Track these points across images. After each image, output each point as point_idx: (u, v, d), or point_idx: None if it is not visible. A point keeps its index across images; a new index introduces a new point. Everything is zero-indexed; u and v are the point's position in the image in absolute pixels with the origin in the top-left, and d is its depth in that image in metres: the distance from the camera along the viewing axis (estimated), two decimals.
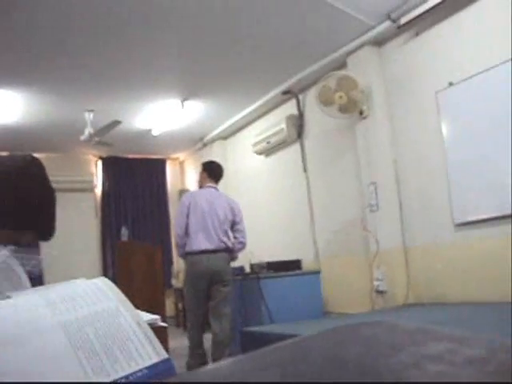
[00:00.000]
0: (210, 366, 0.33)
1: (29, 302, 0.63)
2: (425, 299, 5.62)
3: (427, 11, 5.43)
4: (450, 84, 5.36)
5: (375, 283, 5.98)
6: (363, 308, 6.04)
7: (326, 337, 0.32)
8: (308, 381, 0.26)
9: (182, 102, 7.71)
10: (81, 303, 0.61)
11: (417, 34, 5.81)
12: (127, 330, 0.58)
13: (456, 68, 5.35)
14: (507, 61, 4.79)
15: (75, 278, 0.69)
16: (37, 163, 1.53)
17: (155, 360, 0.56)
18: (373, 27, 5.99)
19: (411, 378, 0.26)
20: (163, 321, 0.75)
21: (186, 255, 5.31)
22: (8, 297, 0.63)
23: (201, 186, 5.80)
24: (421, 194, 5.79)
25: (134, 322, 0.59)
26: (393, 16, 5.72)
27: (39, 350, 0.54)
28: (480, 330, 2.83)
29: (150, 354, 0.57)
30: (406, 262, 5.91)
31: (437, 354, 0.27)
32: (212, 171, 5.93)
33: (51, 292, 0.63)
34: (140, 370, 0.55)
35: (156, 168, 10.88)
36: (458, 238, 5.34)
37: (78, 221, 10.07)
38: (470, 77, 5.15)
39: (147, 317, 0.69)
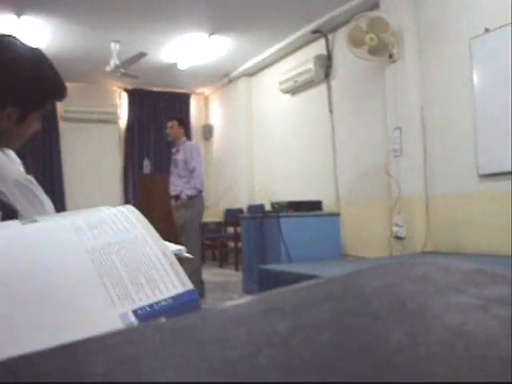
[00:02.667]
0: (250, 298, 0.32)
1: (55, 226, 0.63)
2: (443, 248, 5.63)
3: None
4: (486, 30, 5.21)
5: (394, 229, 5.99)
6: (381, 253, 6.07)
7: (375, 273, 0.31)
8: (363, 317, 0.26)
9: (209, 35, 7.60)
10: (107, 230, 0.60)
11: None
12: (153, 258, 0.58)
13: (493, 14, 5.18)
14: None
15: (97, 206, 0.68)
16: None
17: (180, 290, 0.56)
18: None
19: (478, 321, 0.25)
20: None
21: (200, 192, 6.21)
22: (35, 220, 0.63)
23: (176, 139, 6.38)
24: (446, 142, 5.72)
25: (160, 251, 0.59)
26: None
27: (65, 275, 0.55)
28: None
29: (175, 283, 0.56)
30: (426, 209, 5.89)
31: (501, 297, 0.26)
32: (186, 128, 6.83)
33: (78, 218, 0.63)
34: (165, 300, 0.55)
35: (180, 102, 10.83)
36: (482, 189, 5.29)
37: (101, 151, 10.15)
38: (508, 24, 4.99)
39: (172, 247, 0.69)
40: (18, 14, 6.52)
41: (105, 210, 0.66)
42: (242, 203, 9.22)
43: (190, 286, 0.56)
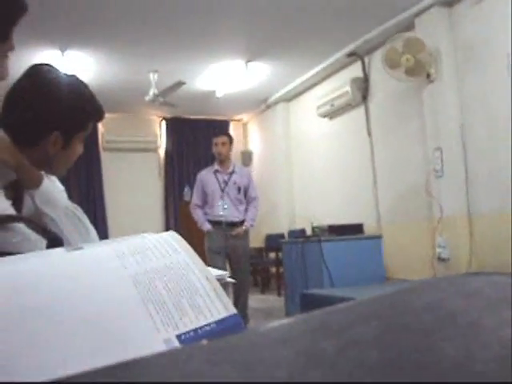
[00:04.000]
0: (294, 318, 0.32)
1: (99, 253, 0.64)
2: (489, 268, 5.51)
3: None
4: None
5: (437, 250, 5.90)
6: (424, 275, 5.98)
7: (423, 289, 0.30)
8: (413, 333, 0.25)
9: (246, 63, 7.68)
10: (150, 256, 0.61)
11: None
12: (196, 283, 0.58)
13: None
14: None
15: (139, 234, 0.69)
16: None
17: (224, 315, 0.56)
18: None
19: None
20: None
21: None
22: (80, 248, 0.64)
23: (227, 158, 6.00)
24: (488, 160, 5.63)
25: (203, 276, 0.59)
26: None
27: (109, 301, 0.55)
28: None
29: (218, 308, 0.57)
30: (469, 229, 5.79)
31: None
32: None
33: (121, 245, 0.64)
34: (208, 324, 0.55)
35: (219, 129, 10.92)
36: None
37: (142, 180, 10.28)
38: None
39: (215, 272, 0.69)
40: (62, 50, 6.73)
41: (147, 236, 0.66)
42: (283, 228, 9.20)
43: (233, 310, 0.56)
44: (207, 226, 5.72)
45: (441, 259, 5.87)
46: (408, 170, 6.69)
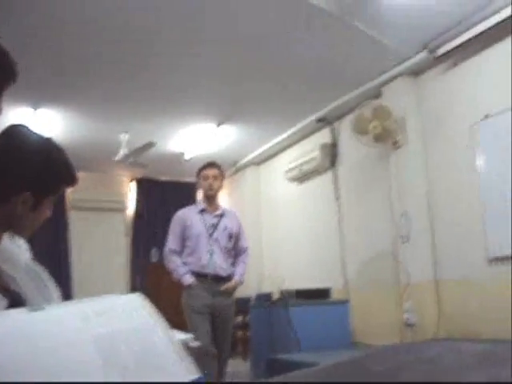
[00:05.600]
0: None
1: (62, 314, 0.63)
2: (456, 334, 5.51)
3: (465, 42, 5.41)
4: (486, 116, 5.31)
5: (404, 316, 5.89)
6: (392, 340, 5.95)
7: (384, 354, 0.30)
8: None
9: (218, 125, 7.75)
10: (114, 318, 0.60)
11: (455, 65, 5.78)
12: (160, 347, 0.57)
13: (493, 100, 5.30)
14: None
15: (105, 294, 0.68)
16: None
17: (188, 379, 0.55)
18: (409, 57, 5.99)
19: None
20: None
21: None
22: (42, 308, 0.63)
23: (217, 195, 4.94)
24: (454, 226, 5.71)
25: (168, 340, 0.59)
26: (430, 46, 5.71)
27: (67, 363, 0.54)
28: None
29: (182, 372, 0.56)
30: (437, 295, 5.81)
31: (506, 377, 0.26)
32: None
33: (85, 306, 0.63)
34: None
35: (188, 191, 10.92)
36: (492, 273, 5.23)
37: (108, 239, 10.17)
38: (508, 109, 5.09)
39: (181, 335, 0.69)
40: (35, 107, 6.73)
41: (112, 297, 0.66)
42: (251, 291, 9.12)
43: (196, 373, 0.56)
44: (189, 279, 4.60)
45: (408, 325, 5.85)
46: (375, 235, 6.73)
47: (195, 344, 0.74)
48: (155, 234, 10.12)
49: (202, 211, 4.80)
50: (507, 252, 5.05)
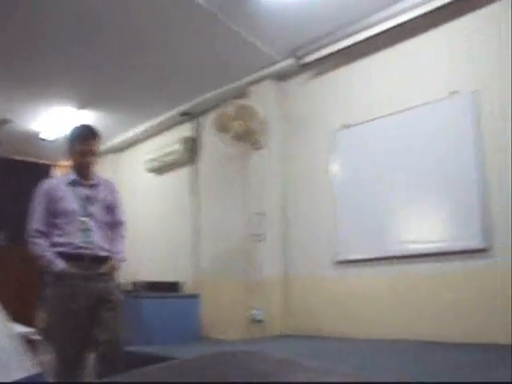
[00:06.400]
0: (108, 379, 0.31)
1: None
2: (301, 331, 5.71)
3: (330, 55, 5.63)
4: (344, 126, 5.56)
5: (252, 312, 6.01)
6: (240, 335, 6.05)
7: (202, 361, 0.31)
8: None
9: (78, 109, 7.51)
10: None
11: (318, 75, 5.99)
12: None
13: (352, 112, 5.56)
14: (401, 111, 5.04)
15: None
16: None
17: (25, 374, 0.54)
18: (277, 62, 6.12)
19: None
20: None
21: None
22: None
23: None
24: (307, 229, 5.90)
25: (5, 334, 0.57)
26: (298, 53, 5.87)
27: None
28: (342, 363, 2.87)
29: (20, 367, 0.54)
30: (284, 292, 5.98)
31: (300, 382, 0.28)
32: None
33: None
34: None
35: (42, 173, 10.48)
36: (337, 274, 5.48)
37: None
38: (364, 121, 5.37)
39: (21, 329, 0.66)
40: None
41: None
42: None
43: (35, 369, 0.54)
44: (60, 265, 3.73)
45: (256, 321, 5.98)
46: (231, 232, 6.81)
47: (37, 337, 0.72)
48: (4, 215, 9.63)
49: (74, 183, 3.98)
50: (352, 256, 5.33)
